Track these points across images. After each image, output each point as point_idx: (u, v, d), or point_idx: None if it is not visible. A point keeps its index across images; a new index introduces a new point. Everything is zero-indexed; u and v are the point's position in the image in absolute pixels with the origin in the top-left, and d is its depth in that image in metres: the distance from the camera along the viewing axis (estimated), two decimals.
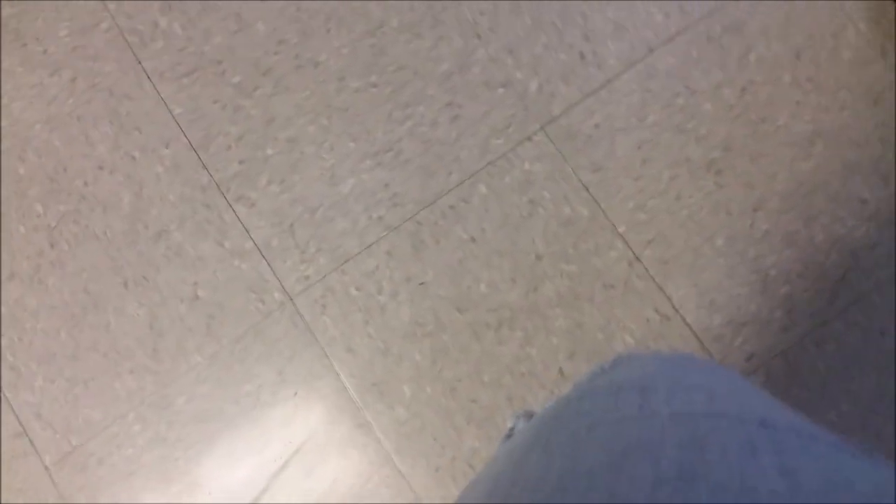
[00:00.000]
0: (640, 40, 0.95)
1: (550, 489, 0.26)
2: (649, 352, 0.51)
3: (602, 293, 0.92)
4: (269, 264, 0.99)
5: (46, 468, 1.01)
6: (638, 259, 0.92)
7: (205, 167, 1.00)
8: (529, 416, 0.64)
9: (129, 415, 0.99)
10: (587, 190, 0.93)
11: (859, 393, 0.88)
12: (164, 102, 1.01)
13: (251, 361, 0.98)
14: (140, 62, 1.02)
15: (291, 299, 0.98)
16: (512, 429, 0.65)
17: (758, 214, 0.90)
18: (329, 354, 0.97)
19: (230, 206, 0.99)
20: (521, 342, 0.94)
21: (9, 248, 1.03)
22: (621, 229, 0.92)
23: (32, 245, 1.03)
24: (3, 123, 1.03)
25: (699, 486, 0.23)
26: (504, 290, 0.95)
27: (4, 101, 1.03)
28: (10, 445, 1.01)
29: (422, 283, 0.96)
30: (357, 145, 0.98)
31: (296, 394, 0.97)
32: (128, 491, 0.98)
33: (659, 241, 0.92)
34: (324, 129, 0.98)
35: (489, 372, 0.94)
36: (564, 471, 0.27)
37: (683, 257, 0.91)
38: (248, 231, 0.99)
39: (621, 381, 0.35)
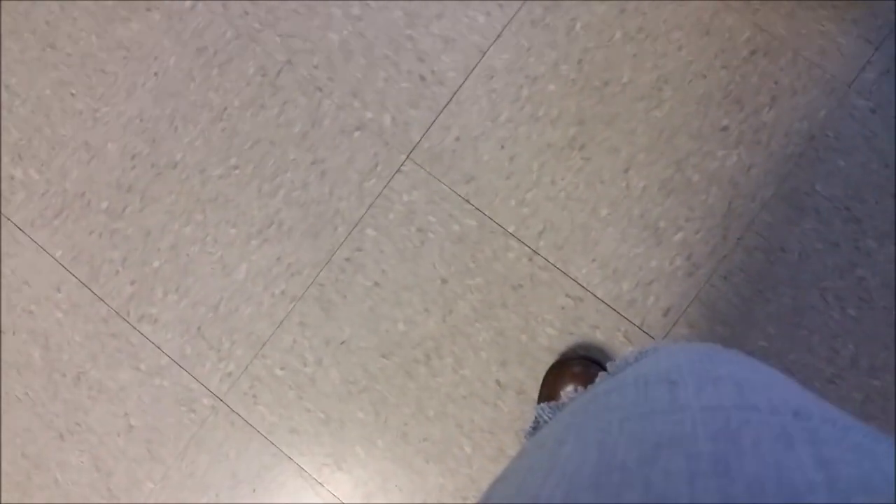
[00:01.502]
0: (470, 46, 0.96)
1: (586, 483, 0.26)
2: (675, 344, 0.51)
3: (513, 295, 0.92)
4: (189, 373, 0.98)
5: None
6: (535, 252, 0.92)
7: (100, 299, 0.99)
8: (553, 408, 0.64)
9: None
10: (468, 202, 0.94)
11: (780, 312, 0.89)
12: (44, 249, 1.00)
13: (201, 473, 0.96)
14: (9, 219, 1.01)
15: (221, 400, 0.97)
16: (536, 420, 0.65)
17: (630, 174, 0.91)
18: (275, 442, 0.96)
19: (135, 328, 0.99)
20: (453, 367, 0.93)
21: None
22: (511, 229, 0.93)
23: None
24: None
25: (736, 481, 0.23)
26: (421, 323, 0.94)
27: None
28: None
29: (342, 343, 0.96)
30: (238, 230, 0.98)
31: (254, 490, 0.96)
32: None
33: (549, 230, 0.92)
34: (201, 226, 0.98)
35: (432, 406, 0.94)
36: (598, 464, 0.27)
37: (575, 237, 0.92)
38: (159, 347, 0.98)
39: (648, 374, 0.35)
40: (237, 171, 0.98)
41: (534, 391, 0.91)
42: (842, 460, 0.24)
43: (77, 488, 0.99)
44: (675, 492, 0.23)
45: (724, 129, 0.92)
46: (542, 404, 0.67)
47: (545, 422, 0.65)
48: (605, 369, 0.86)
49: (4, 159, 1.02)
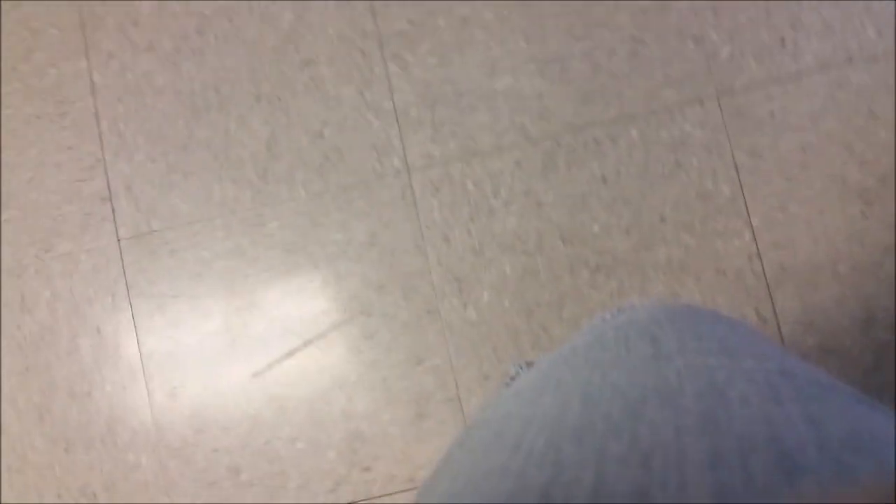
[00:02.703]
0: (843, 47, 0.92)
1: (569, 432, 0.25)
2: (652, 302, 0.50)
3: (711, 275, 0.92)
4: (399, 130, 0.98)
5: (119, 239, 1.03)
6: (759, 255, 0.91)
7: (373, 15, 0.99)
8: (530, 363, 0.63)
9: (216, 219, 1.01)
10: (737, 171, 0.92)
11: None
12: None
13: (350, 214, 0.99)
14: None
15: (409, 171, 0.98)
16: (513, 378, 0.63)
17: (889, 256, 0.89)
18: (425, 236, 0.98)
19: (384, 60, 0.99)
20: (613, 292, 0.94)
21: (155, 22, 1.03)
22: (755, 222, 0.91)
23: (180, 25, 1.03)
24: None
25: (725, 437, 0.23)
26: (616, 238, 0.94)
27: None
28: (92, 206, 1.04)
29: (539, 203, 0.96)
30: (528, 46, 0.96)
31: (381, 260, 0.98)
32: (190, 288, 1.01)
33: (786, 247, 0.91)
34: (501, 20, 0.97)
35: (570, 308, 0.95)
36: (582, 415, 0.26)
37: (803, 270, 0.90)
38: (391, 91, 0.98)
39: (628, 329, 0.34)
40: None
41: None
42: (829, 418, 0.24)
43: (239, 148, 1.02)
44: (662, 446, 0.23)
45: None
46: (518, 360, 0.66)
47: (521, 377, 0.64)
48: None
49: None
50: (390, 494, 0.95)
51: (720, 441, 0.22)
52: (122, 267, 1.04)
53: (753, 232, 0.91)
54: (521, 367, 0.66)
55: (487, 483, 0.25)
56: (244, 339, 1.00)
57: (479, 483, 0.25)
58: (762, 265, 0.91)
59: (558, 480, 0.22)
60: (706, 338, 0.31)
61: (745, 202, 0.92)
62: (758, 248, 0.91)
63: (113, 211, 1.04)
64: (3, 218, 1.05)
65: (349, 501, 0.95)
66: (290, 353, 0.99)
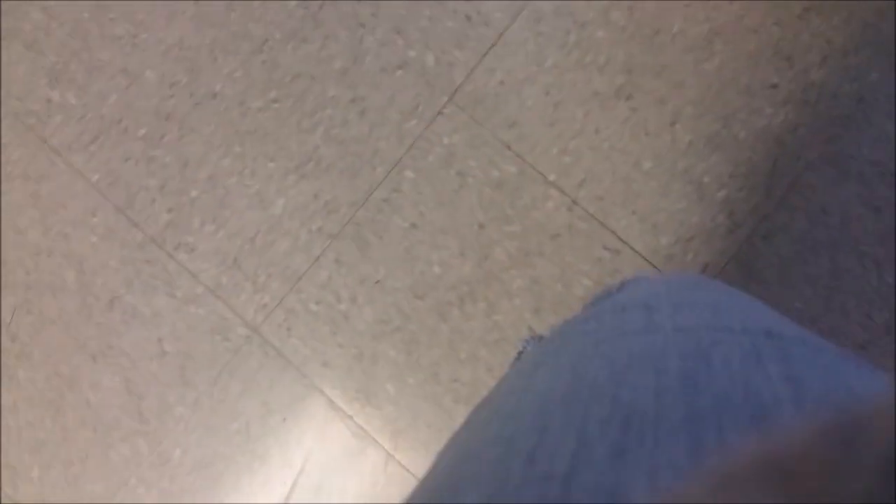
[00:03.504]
0: None
1: (558, 399, 0.26)
2: (658, 274, 0.50)
3: (550, 244, 0.93)
4: (224, 303, 0.99)
5: None
6: (575, 202, 0.92)
7: (136, 225, 1.00)
8: (538, 339, 0.64)
9: (130, 480, 1.00)
10: (509, 148, 0.93)
11: (817, 275, 0.89)
12: (80, 173, 1.00)
13: (233, 399, 0.99)
14: (45, 141, 1.01)
15: (256, 331, 0.98)
16: (520, 353, 0.65)
17: (676, 127, 0.91)
18: (307, 374, 0.98)
19: (171, 256, 0.99)
20: (486, 312, 0.94)
21: None
22: (552, 178, 0.93)
23: None
24: None
25: (703, 395, 0.23)
26: (457, 267, 0.95)
27: None
28: None
29: (377, 282, 0.97)
30: (276, 164, 0.98)
31: (284, 419, 0.98)
32: None
33: (590, 180, 0.92)
34: (239, 158, 0.98)
35: (463, 349, 0.95)
36: (571, 383, 0.27)
37: (617, 189, 0.91)
38: (195, 276, 0.99)
39: (626, 301, 0.35)
40: (276, 105, 0.97)
41: None
42: (809, 377, 0.24)
43: (108, 409, 1.02)
44: (641, 405, 0.23)
45: (774, 86, 0.90)
46: (524, 336, 0.66)
47: (527, 353, 0.65)
48: None
49: (41, 82, 1.00)
50: None
51: (698, 400, 0.23)
52: None
53: (557, 186, 0.93)
54: (528, 342, 0.66)
55: (482, 451, 0.25)
56: None
57: (474, 452, 0.26)
58: (582, 208, 0.92)
59: (544, 444, 0.23)
60: (700, 304, 0.32)
61: (533, 167, 0.93)
62: (570, 197, 0.92)
63: None
64: None
65: None
66: None
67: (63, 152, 1.01)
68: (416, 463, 0.95)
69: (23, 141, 1.01)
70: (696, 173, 0.90)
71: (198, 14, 0.98)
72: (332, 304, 0.98)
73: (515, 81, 0.93)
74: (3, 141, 1.01)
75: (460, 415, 0.95)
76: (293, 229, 0.98)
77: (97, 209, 1.00)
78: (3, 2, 1.01)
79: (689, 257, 0.90)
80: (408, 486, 0.95)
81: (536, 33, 0.93)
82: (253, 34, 0.97)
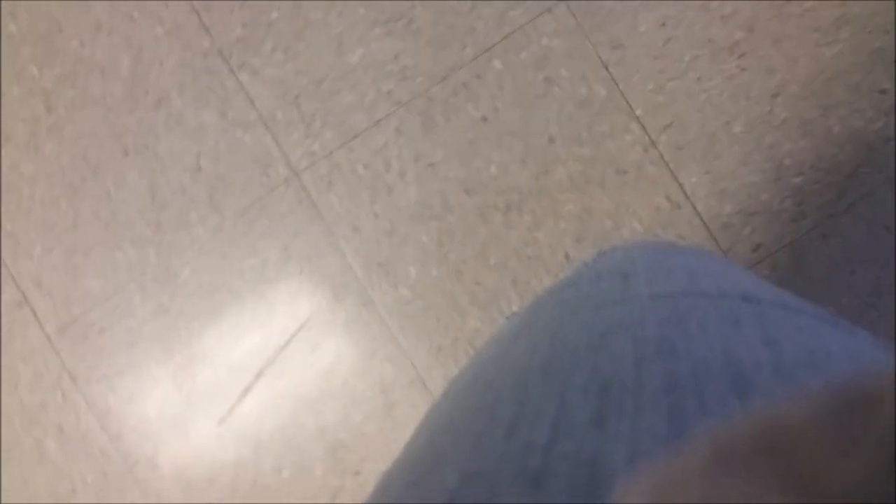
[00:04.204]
0: None
1: (537, 369, 0.26)
2: (632, 242, 0.50)
3: (614, 179, 0.91)
4: (273, 137, 0.96)
5: (48, 337, 1.01)
6: (653, 144, 0.90)
7: (206, 31, 0.95)
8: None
9: (129, 285, 0.99)
10: (606, 69, 0.90)
11: (860, 287, 0.89)
12: None
13: (255, 236, 0.97)
14: None
15: (297, 174, 0.96)
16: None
17: (777, 101, 0.88)
18: (334, 232, 0.96)
19: (233, 73, 0.95)
20: (529, 226, 0.93)
21: (3, 112, 0.99)
22: (638, 112, 0.90)
23: (28, 108, 0.99)
24: None
25: (681, 361, 0.23)
26: (514, 173, 0.93)
27: None
28: (11, 314, 1.01)
29: (430, 164, 0.94)
30: (367, 12, 0.93)
31: (301, 270, 0.97)
32: (130, 361, 1.00)
33: (676, 126, 0.90)
34: None
35: (495, 255, 0.94)
36: (549, 353, 0.27)
37: (699, 143, 0.89)
38: (251, 101, 0.96)
39: (602, 269, 0.35)
40: None
41: None
42: (787, 339, 0.24)
43: (126, 210, 0.99)
44: (622, 374, 0.23)
45: (883, 92, 0.88)
46: (509, 314, 0.66)
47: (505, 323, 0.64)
48: None
49: None
50: None
51: (677, 366, 0.23)
52: (61, 361, 1.02)
53: (640, 122, 0.90)
54: (508, 319, 0.66)
55: (462, 422, 0.25)
56: (198, 392, 0.99)
57: (454, 423, 0.26)
58: (658, 152, 0.90)
59: (524, 413, 0.23)
60: (676, 270, 0.32)
61: (623, 95, 0.90)
62: (650, 137, 0.90)
63: (33, 312, 1.02)
64: None
65: None
66: (246, 390, 0.98)
67: None
68: (415, 350, 0.96)
69: None
70: (780, 152, 0.89)
71: None
72: (380, 173, 0.95)
73: (634, 1, 0.89)
74: None
75: (472, 317, 0.94)
76: (361, 84, 0.94)
77: (170, 0, 0.95)
78: None
79: (745, 231, 0.89)
80: (401, 368, 0.96)
81: None
82: None
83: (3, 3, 0.97)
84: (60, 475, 1.02)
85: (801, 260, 0.89)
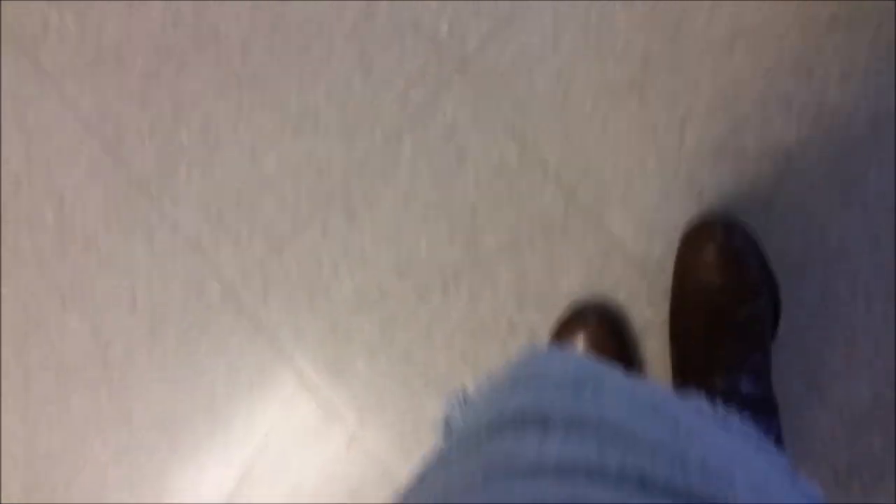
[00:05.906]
0: None
1: None
2: (552, 355, 0.50)
3: (541, 237, 0.90)
4: (203, 258, 0.96)
5: None
6: (573, 195, 0.89)
7: (123, 164, 0.97)
8: (464, 403, 0.57)
9: (88, 433, 0.98)
10: (513, 130, 0.90)
11: (808, 296, 0.87)
12: (71, 101, 0.98)
13: (200, 357, 0.96)
14: (39, 63, 0.98)
15: (232, 290, 0.96)
16: (447, 422, 0.58)
17: (685, 128, 0.88)
18: (279, 340, 0.95)
19: (154, 202, 0.96)
20: (468, 300, 0.92)
21: None
22: (552, 167, 0.90)
23: None
24: None
25: None
26: (444, 249, 0.92)
27: None
28: None
29: (361, 255, 0.94)
30: (271, 114, 0.94)
31: (251, 384, 0.95)
32: None
33: (591, 174, 0.89)
34: (236, 107, 0.95)
35: (440, 334, 0.92)
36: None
37: (617, 186, 0.88)
38: (176, 227, 0.96)
39: (526, 405, 0.35)
40: (280, 51, 0.94)
41: (545, 335, 0.90)
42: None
43: (72, 354, 0.99)
44: None
45: (788, 97, 0.88)
46: (451, 396, 0.59)
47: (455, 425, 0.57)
48: (618, 326, 0.85)
49: (41, 2, 0.97)
50: None
51: None
52: None
53: (556, 176, 0.90)
54: (454, 407, 0.61)
55: None
56: None
57: None
58: (578, 202, 0.89)
59: None
60: (589, 424, 0.33)
61: (535, 153, 0.90)
62: (568, 190, 0.89)
63: None
64: None
65: None
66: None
67: (55, 75, 0.97)
68: (380, 445, 0.93)
69: (15, 59, 0.98)
70: (699, 179, 0.88)
71: None
72: (313, 273, 0.95)
73: (529, 59, 0.89)
74: None
75: (429, 398, 0.92)
76: (281, 189, 0.95)
77: (83, 144, 0.98)
78: None
79: None
80: (369, 465, 0.93)
81: (555, 10, 0.89)
82: None
83: None
84: None
85: None
